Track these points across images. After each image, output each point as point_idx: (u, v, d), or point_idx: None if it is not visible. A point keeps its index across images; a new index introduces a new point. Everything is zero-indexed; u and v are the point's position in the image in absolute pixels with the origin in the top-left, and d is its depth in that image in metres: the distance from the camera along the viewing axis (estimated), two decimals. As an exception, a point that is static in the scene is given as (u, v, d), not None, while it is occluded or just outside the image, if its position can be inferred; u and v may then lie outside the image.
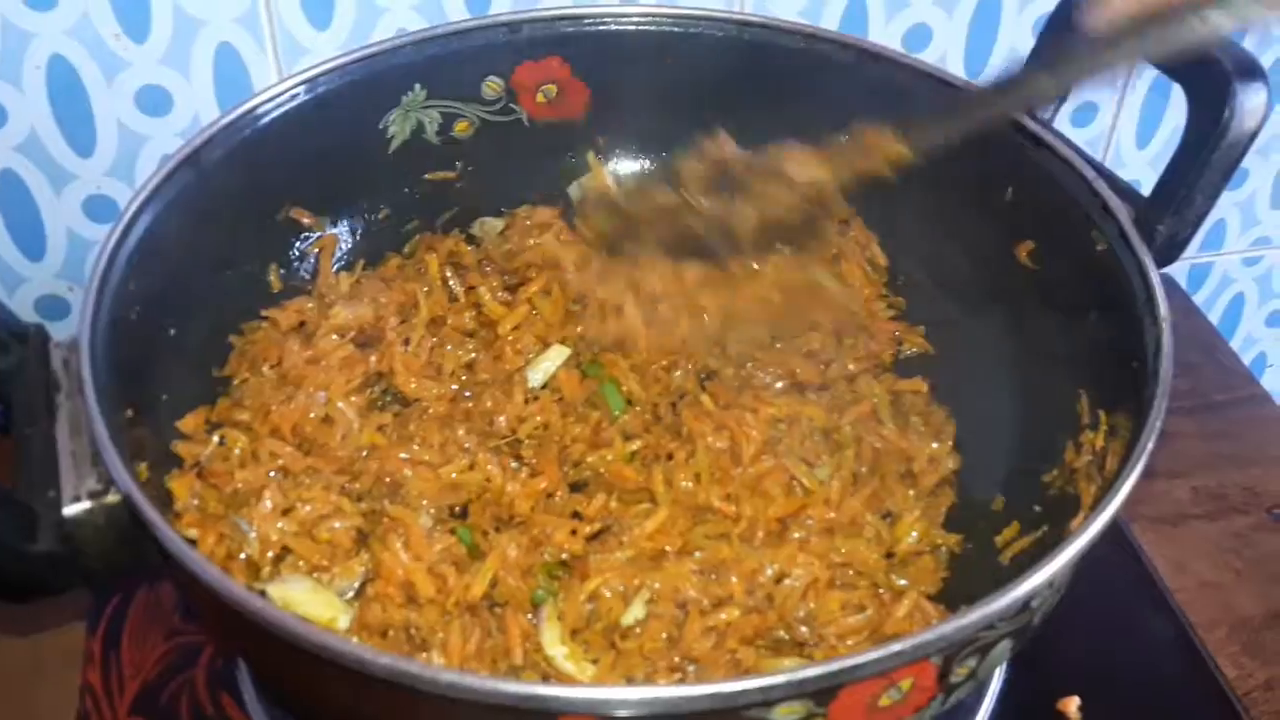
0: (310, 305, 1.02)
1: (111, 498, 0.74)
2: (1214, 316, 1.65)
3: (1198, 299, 1.60)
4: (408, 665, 0.63)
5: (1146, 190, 0.90)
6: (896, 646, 0.63)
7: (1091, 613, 1.02)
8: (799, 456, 0.94)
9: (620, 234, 0.95)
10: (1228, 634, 1.08)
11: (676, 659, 0.81)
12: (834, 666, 0.62)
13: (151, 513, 0.70)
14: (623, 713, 0.62)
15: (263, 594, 0.83)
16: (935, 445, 0.97)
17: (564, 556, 0.89)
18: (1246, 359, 1.66)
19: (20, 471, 0.76)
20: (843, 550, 0.88)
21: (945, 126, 0.87)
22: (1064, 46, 0.84)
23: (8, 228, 1.23)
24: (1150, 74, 1.36)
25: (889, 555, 0.90)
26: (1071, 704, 0.96)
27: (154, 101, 1.17)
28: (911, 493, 0.94)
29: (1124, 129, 1.42)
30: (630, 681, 0.80)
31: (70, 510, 0.74)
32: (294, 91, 0.99)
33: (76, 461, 0.76)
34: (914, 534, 0.91)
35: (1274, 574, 1.14)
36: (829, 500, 0.91)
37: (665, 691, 0.62)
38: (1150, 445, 0.73)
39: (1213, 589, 1.12)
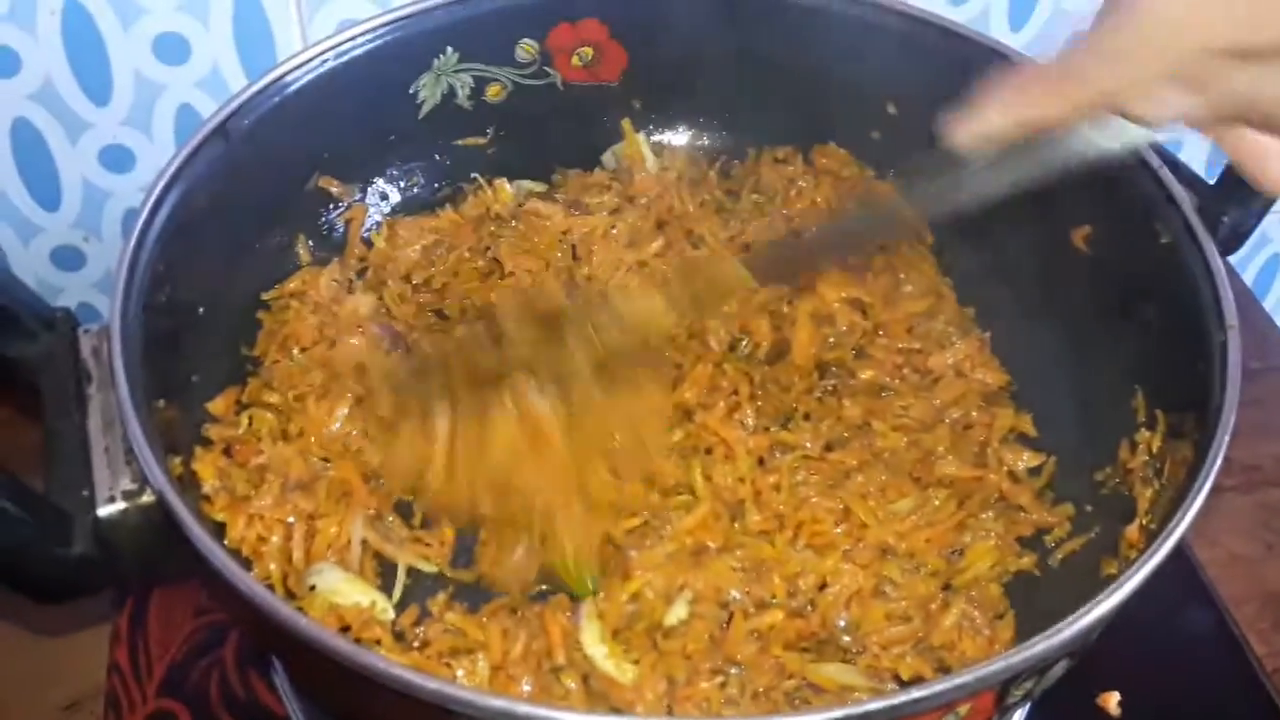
0: (338, 276, 1.00)
1: (146, 498, 0.72)
2: (1249, 277, 1.61)
3: (1233, 259, 1.56)
4: (456, 691, 0.62)
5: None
6: (959, 680, 0.62)
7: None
8: (870, 492, 0.90)
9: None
10: (1259, 609, 1.06)
11: (719, 661, 0.80)
12: (897, 700, 0.61)
13: (189, 519, 0.68)
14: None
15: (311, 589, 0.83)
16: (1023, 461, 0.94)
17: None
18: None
19: (52, 468, 0.74)
20: (895, 579, 0.85)
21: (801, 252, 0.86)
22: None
23: (23, 178, 1.20)
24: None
25: (946, 587, 0.86)
26: (1112, 699, 0.95)
27: (171, 49, 1.13)
28: (990, 514, 0.90)
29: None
30: (672, 683, 0.79)
31: (105, 511, 0.72)
32: (323, 57, 0.95)
33: (110, 459, 0.74)
34: (987, 564, 0.87)
35: (1306, 546, 1.11)
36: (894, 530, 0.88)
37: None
38: (1218, 465, 0.71)
39: (1244, 563, 1.10)
